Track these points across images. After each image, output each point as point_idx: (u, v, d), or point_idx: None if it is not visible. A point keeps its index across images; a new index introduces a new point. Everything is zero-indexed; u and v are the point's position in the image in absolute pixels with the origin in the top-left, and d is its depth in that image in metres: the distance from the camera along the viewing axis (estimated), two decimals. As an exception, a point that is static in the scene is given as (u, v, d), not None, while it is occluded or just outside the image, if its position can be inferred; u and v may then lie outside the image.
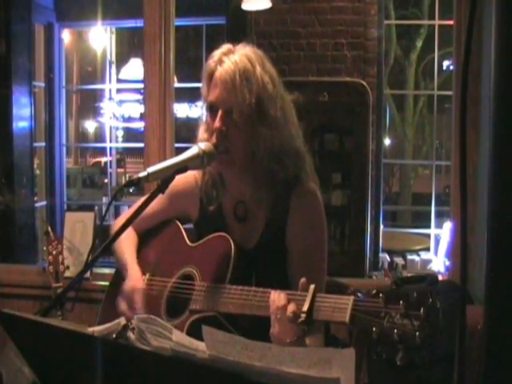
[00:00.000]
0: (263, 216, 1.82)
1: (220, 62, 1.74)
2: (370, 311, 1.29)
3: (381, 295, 1.28)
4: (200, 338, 1.14)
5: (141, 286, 1.84)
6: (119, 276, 1.99)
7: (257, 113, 1.71)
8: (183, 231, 1.95)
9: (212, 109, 1.76)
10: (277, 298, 1.48)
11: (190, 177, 1.91)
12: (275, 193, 1.79)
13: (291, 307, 1.44)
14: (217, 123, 1.72)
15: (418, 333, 1.20)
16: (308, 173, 1.83)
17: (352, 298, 1.35)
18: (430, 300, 1.22)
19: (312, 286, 1.44)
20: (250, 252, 1.80)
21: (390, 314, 1.25)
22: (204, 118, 1.83)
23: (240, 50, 1.77)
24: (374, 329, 1.26)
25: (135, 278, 1.87)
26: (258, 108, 1.71)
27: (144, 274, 1.91)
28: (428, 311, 1.21)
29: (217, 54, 1.77)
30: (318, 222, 1.80)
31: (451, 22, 3.05)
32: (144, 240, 2.02)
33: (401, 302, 1.24)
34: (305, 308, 1.41)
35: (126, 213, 2.05)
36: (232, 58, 1.73)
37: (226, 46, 1.78)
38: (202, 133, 1.81)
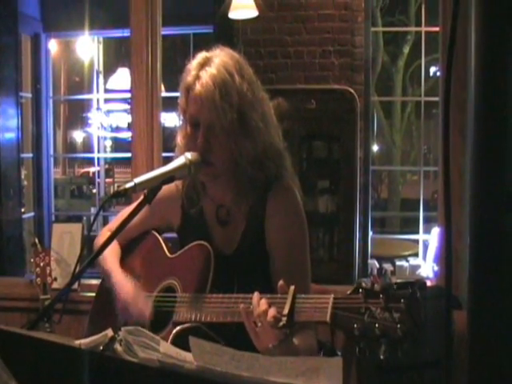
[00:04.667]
0: (243, 219, 1.82)
1: (197, 77, 1.71)
2: (351, 308, 1.29)
3: (360, 291, 1.28)
4: (184, 349, 1.14)
5: (135, 289, 1.82)
6: (105, 288, 1.98)
7: (239, 125, 1.71)
8: (162, 242, 1.94)
9: (193, 122, 1.75)
10: (256, 303, 1.47)
11: (171, 184, 1.90)
12: (254, 195, 1.79)
13: (271, 312, 1.43)
14: (199, 139, 1.72)
15: (399, 325, 1.20)
16: (288, 171, 1.83)
17: (332, 296, 1.34)
18: (410, 291, 1.22)
19: (292, 288, 1.43)
20: (230, 256, 1.80)
21: (371, 309, 1.25)
22: (180, 125, 1.83)
23: (216, 57, 1.74)
24: (355, 325, 1.26)
25: (127, 285, 1.84)
26: (240, 120, 1.71)
27: None
28: (408, 302, 1.21)
29: (193, 66, 1.74)
30: (296, 219, 1.79)
31: (437, 29, 3.07)
32: (124, 254, 2.01)
33: (381, 295, 1.24)
34: (285, 311, 1.40)
35: (111, 224, 2.05)
36: (209, 71, 1.70)
37: (201, 56, 1.75)
38: (180, 140, 1.82)
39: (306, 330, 1.65)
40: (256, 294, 1.49)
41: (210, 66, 1.72)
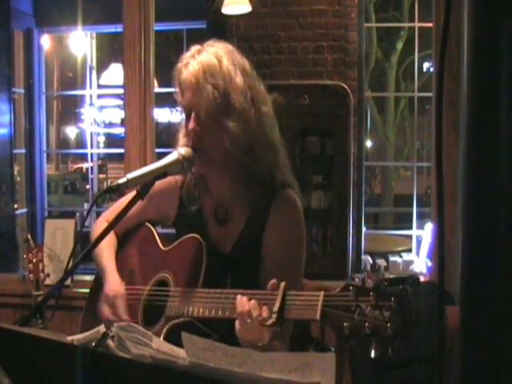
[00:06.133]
0: (242, 220, 1.81)
1: (186, 64, 1.75)
2: (341, 306, 1.28)
3: (351, 288, 1.27)
4: (178, 344, 1.14)
5: (121, 291, 1.83)
6: (99, 283, 1.97)
7: (223, 107, 1.71)
8: (156, 235, 1.94)
9: (186, 112, 1.77)
10: (244, 301, 1.46)
11: (170, 177, 1.89)
12: (255, 197, 1.78)
13: (261, 310, 1.42)
14: (190, 124, 1.74)
15: (389, 324, 1.19)
16: (281, 165, 1.82)
17: (322, 293, 1.34)
18: (401, 287, 1.21)
19: (282, 285, 1.42)
20: (226, 255, 1.80)
21: (361, 307, 1.24)
22: (183, 123, 1.83)
23: (209, 48, 1.77)
24: (345, 324, 1.25)
25: (114, 284, 1.86)
26: (224, 102, 1.71)
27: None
28: (399, 301, 1.20)
29: (185, 57, 1.78)
30: (296, 233, 1.79)
31: (431, 25, 3.07)
32: (119, 245, 2.01)
33: (371, 293, 1.23)
34: (275, 308, 1.39)
35: (107, 214, 2.04)
36: (198, 59, 1.73)
37: (194, 48, 1.78)
38: (181, 138, 1.82)
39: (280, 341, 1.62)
40: (239, 297, 1.48)
41: (200, 54, 1.75)
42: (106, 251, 1.95)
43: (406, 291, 1.21)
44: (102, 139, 14.18)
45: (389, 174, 13.21)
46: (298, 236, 1.80)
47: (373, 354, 1.20)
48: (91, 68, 7.20)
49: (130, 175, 1.60)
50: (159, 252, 1.88)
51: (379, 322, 1.20)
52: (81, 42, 7.67)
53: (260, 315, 1.41)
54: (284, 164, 1.84)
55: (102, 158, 14.04)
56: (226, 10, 4.89)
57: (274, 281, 1.46)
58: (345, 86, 5.23)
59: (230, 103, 1.72)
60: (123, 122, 3.27)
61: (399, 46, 11.62)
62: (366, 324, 1.21)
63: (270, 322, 1.39)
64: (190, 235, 1.77)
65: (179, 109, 1.85)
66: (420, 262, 5.18)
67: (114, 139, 13.54)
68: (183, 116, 1.82)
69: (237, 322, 1.48)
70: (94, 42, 7.77)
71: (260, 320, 1.41)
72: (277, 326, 1.40)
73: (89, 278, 2.93)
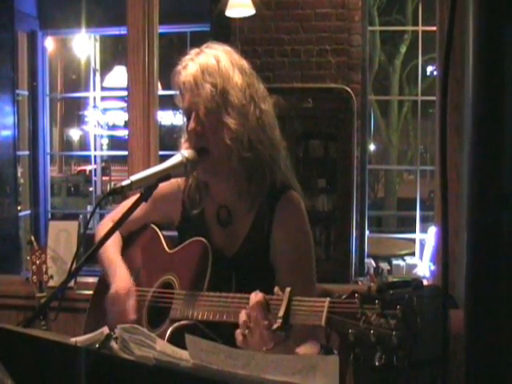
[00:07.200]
0: (246, 223, 1.81)
1: (185, 67, 1.75)
2: (346, 313, 1.26)
3: (356, 295, 1.25)
4: (181, 346, 1.13)
5: (132, 288, 1.82)
6: (103, 284, 1.97)
7: (222, 104, 1.71)
8: (161, 237, 1.94)
9: (187, 115, 1.77)
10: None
11: (173, 180, 1.89)
12: (259, 198, 1.78)
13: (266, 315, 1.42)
14: (190, 125, 1.73)
15: (394, 332, 1.17)
16: (283, 168, 1.81)
17: (328, 299, 1.32)
18: (407, 296, 1.19)
19: (287, 290, 1.42)
20: (231, 258, 1.79)
21: (366, 315, 1.21)
22: (184, 128, 1.83)
23: (207, 50, 1.77)
24: (350, 331, 1.23)
25: (124, 280, 1.84)
26: (223, 99, 1.71)
27: None
28: (404, 309, 1.18)
29: (184, 60, 1.77)
30: (303, 234, 1.79)
31: (434, 28, 3.07)
32: (124, 247, 2.01)
33: (376, 301, 1.21)
34: (280, 313, 1.39)
35: (113, 214, 2.03)
36: (196, 60, 1.74)
37: (193, 51, 1.79)
38: (183, 142, 1.82)
39: (310, 341, 1.62)
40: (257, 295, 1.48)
41: (199, 56, 1.75)
42: (113, 248, 1.94)
43: (412, 300, 1.19)
44: (105, 141, 14.23)
45: (392, 178, 13.22)
46: (305, 237, 1.79)
47: (377, 363, 1.18)
48: (95, 70, 7.23)
49: (134, 177, 1.60)
50: (165, 254, 1.88)
51: (384, 330, 1.18)
52: (84, 44, 7.69)
53: (265, 319, 1.41)
54: (285, 164, 1.83)
55: (106, 161, 14.09)
56: (230, 12, 4.90)
57: (288, 289, 1.46)
58: (348, 90, 5.24)
59: (228, 100, 1.72)
60: (127, 125, 3.27)
61: (403, 49, 11.65)
62: (371, 332, 1.19)
63: (275, 326, 1.39)
64: (196, 238, 1.77)
65: (181, 111, 1.85)
66: (423, 266, 5.17)
67: (118, 141, 13.58)
68: (185, 120, 1.82)
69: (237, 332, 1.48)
70: (98, 44, 7.80)
71: (265, 325, 1.41)
72: (282, 331, 1.40)
73: (92, 279, 2.93)
